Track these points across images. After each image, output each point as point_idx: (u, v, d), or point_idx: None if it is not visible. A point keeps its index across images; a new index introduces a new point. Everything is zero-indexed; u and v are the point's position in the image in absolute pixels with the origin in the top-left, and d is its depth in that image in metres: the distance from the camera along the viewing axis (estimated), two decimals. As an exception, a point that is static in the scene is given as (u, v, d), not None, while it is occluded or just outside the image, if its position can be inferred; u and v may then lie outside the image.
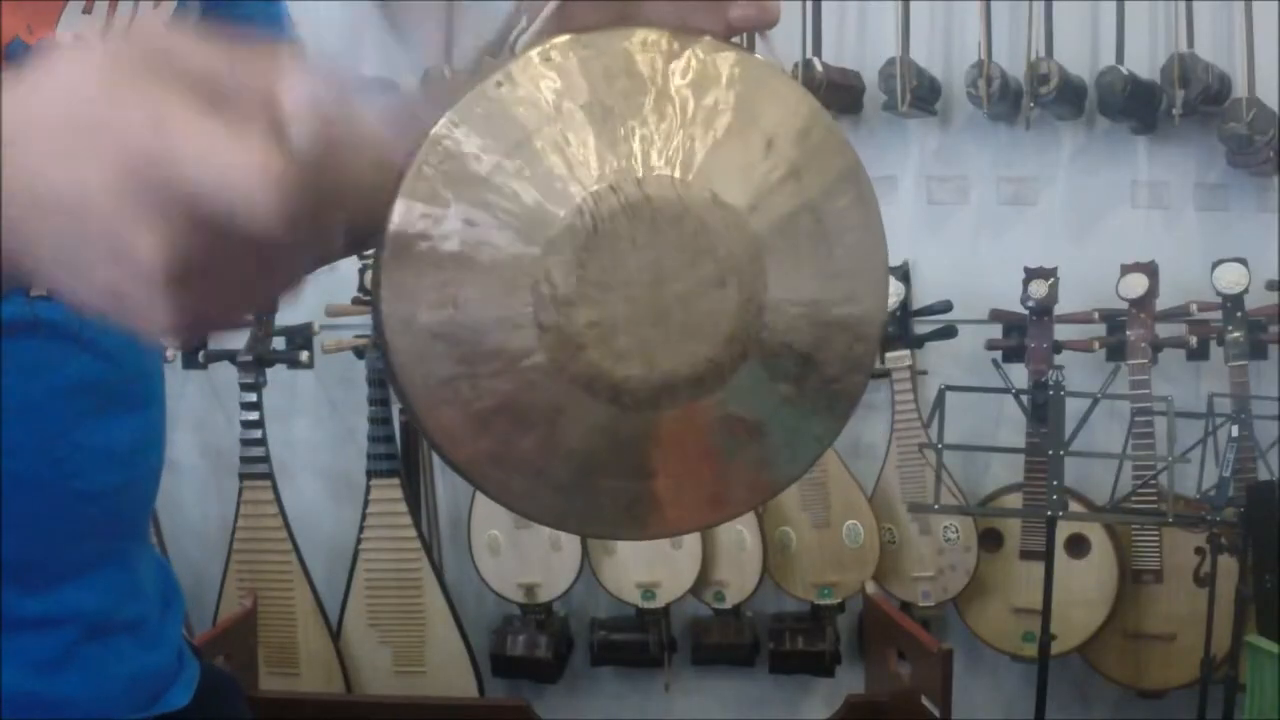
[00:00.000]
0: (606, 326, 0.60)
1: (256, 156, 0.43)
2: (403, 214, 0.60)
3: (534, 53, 0.63)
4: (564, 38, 0.63)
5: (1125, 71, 2.99)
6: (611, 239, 0.61)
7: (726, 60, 0.65)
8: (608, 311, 0.61)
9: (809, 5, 3.07)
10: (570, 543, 3.11)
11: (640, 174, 0.61)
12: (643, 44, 0.64)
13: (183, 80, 0.44)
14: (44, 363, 0.62)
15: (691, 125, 0.63)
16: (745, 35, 0.73)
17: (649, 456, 0.65)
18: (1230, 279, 2.92)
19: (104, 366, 0.58)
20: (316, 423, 3.33)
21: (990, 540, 3.09)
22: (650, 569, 3.11)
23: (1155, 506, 2.80)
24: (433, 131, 0.61)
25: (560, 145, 0.61)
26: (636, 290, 0.61)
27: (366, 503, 3.09)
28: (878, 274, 0.68)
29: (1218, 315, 2.94)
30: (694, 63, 0.64)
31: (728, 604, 3.13)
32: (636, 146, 0.62)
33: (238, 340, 2.97)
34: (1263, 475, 2.78)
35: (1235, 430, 2.73)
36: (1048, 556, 2.69)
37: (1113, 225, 3.22)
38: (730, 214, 0.62)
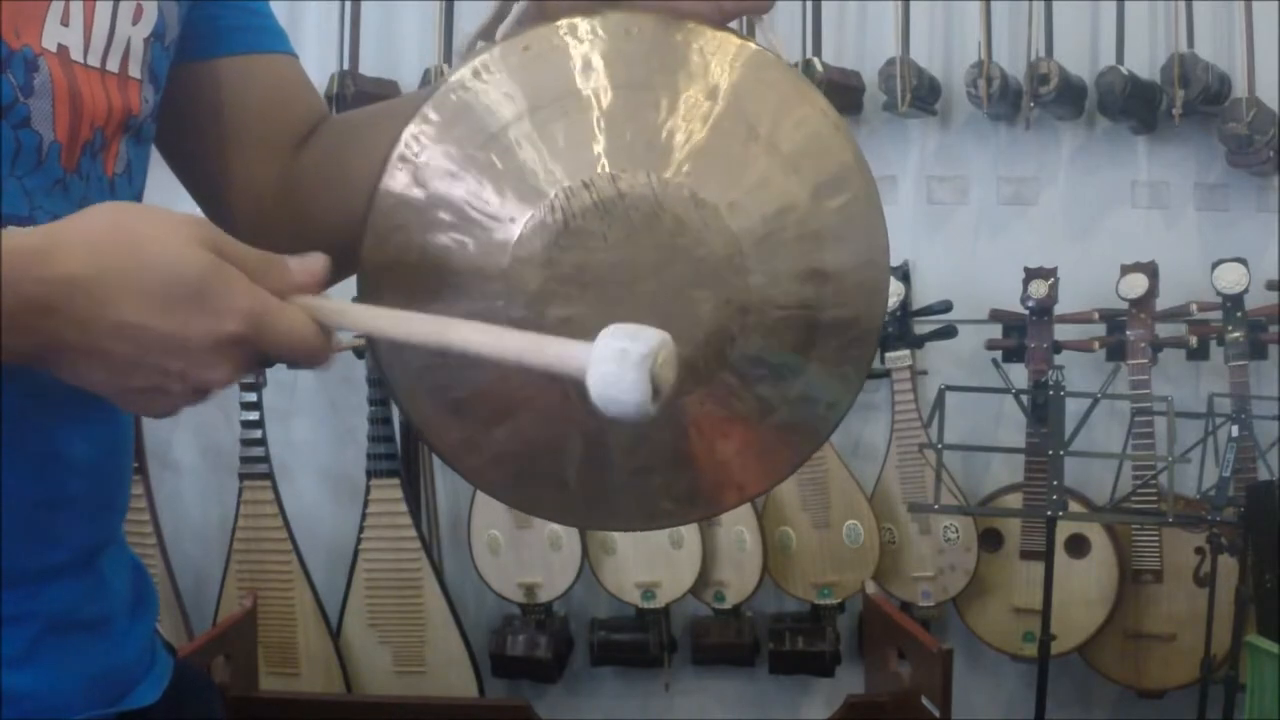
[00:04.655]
0: (578, 324, 0.58)
1: (313, 337, 0.63)
2: (381, 207, 0.60)
3: (514, 42, 0.60)
4: (545, 26, 0.60)
5: (1125, 71, 2.99)
6: (583, 236, 0.59)
7: (716, 48, 0.61)
8: (579, 309, 0.59)
9: (809, 5, 3.07)
10: (570, 543, 3.11)
11: (616, 169, 0.59)
12: (626, 31, 0.60)
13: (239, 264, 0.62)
14: (18, 368, 0.62)
15: (674, 118, 0.60)
16: (745, 24, 0.69)
17: (623, 452, 0.63)
18: (1230, 279, 2.91)
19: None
20: (316, 423, 3.33)
21: (990, 540, 3.09)
22: (650, 569, 3.10)
23: (1155, 506, 2.79)
24: (406, 129, 0.60)
25: (534, 139, 0.59)
26: (610, 288, 0.59)
27: (366, 503, 3.09)
28: (875, 276, 0.63)
29: (1218, 315, 2.94)
30: (680, 51, 0.60)
31: (728, 604, 3.13)
32: (614, 140, 0.59)
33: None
34: (1263, 475, 2.77)
35: (1235, 430, 2.73)
36: (1048, 556, 2.68)
37: (1113, 225, 3.22)
38: (709, 212, 0.59)
